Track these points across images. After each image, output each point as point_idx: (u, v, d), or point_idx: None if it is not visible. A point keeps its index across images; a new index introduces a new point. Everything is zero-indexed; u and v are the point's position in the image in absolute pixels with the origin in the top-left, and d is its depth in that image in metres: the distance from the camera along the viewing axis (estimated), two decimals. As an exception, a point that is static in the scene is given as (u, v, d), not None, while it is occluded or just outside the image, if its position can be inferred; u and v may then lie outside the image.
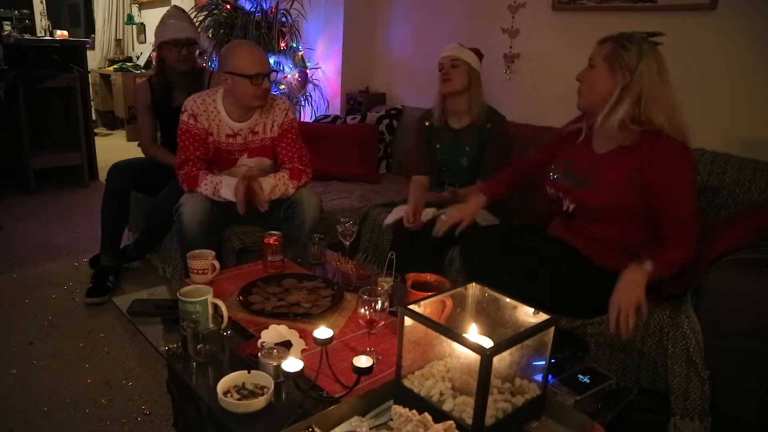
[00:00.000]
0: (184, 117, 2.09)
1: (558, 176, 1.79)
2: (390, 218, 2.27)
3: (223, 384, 1.11)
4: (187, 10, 2.96)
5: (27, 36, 4.79)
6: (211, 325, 1.28)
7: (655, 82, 1.57)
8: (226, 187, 2.03)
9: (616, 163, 1.65)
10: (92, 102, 5.64)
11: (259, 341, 1.28)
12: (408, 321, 1.01)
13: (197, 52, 2.67)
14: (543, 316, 1.03)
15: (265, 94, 2.06)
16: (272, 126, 2.17)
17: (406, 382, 1.04)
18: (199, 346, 1.22)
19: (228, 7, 3.61)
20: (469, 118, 2.30)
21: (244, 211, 2.01)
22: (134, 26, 6.93)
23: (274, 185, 2.07)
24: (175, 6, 2.71)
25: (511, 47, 2.88)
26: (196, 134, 2.08)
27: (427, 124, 2.41)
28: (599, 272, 1.65)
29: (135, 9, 6.96)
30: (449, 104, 2.33)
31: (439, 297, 1.11)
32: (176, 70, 2.51)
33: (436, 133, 2.38)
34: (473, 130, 2.30)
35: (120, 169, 2.54)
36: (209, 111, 2.09)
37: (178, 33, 2.46)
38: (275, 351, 1.17)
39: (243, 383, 1.13)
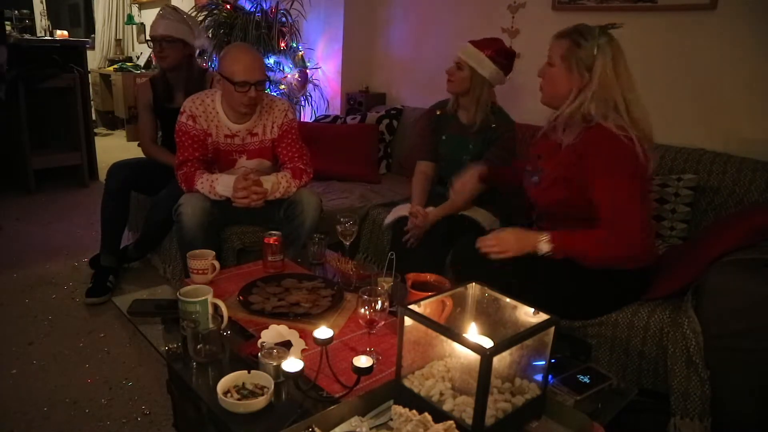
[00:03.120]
0: (182, 118, 2.09)
1: (527, 171, 1.82)
2: (390, 218, 2.27)
3: (223, 384, 1.11)
4: (186, 10, 2.96)
5: (27, 36, 4.80)
6: (211, 325, 1.28)
7: (610, 78, 1.55)
8: (221, 185, 2.03)
9: (559, 160, 1.66)
10: (92, 102, 5.64)
11: (259, 341, 1.28)
12: (408, 321, 1.01)
13: (197, 52, 2.67)
14: (543, 316, 1.04)
15: (252, 103, 2.02)
16: (272, 127, 2.17)
17: (406, 382, 1.04)
18: (199, 346, 1.22)
19: (228, 7, 3.61)
20: (476, 116, 2.30)
21: (245, 199, 1.99)
22: (134, 26, 6.93)
23: (276, 182, 2.07)
24: (165, 5, 2.70)
25: (511, 47, 2.87)
26: (194, 135, 2.08)
27: (438, 112, 2.42)
28: (583, 273, 1.63)
29: (135, 9, 6.96)
30: (460, 99, 2.34)
31: (439, 297, 1.12)
32: (169, 70, 2.52)
33: (445, 121, 2.37)
34: (479, 128, 2.29)
35: (120, 168, 2.54)
36: (208, 112, 2.09)
37: (155, 29, 2.47)
38: (275, 351, 1.17)
39: (243, 383, 1.13)
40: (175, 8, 2.60)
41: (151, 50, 2.68)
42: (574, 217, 1.66)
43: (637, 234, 1.53)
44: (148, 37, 2.51)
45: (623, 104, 1.56)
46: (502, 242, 1.61)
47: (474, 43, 2.25)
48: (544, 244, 1.57)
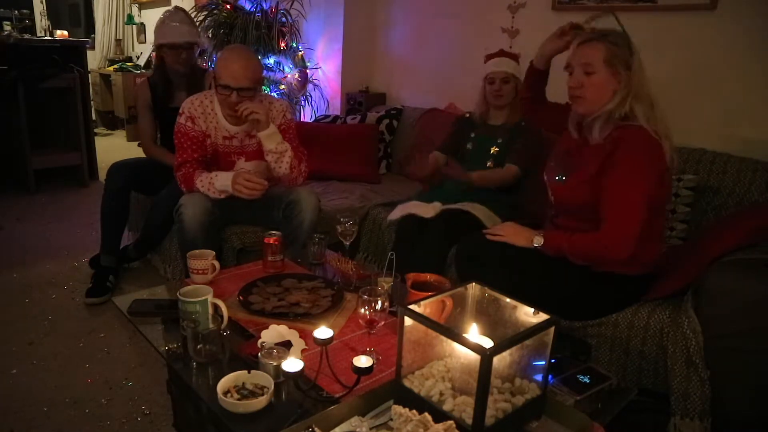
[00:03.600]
0: (181, 119, 2.09)
1: (552, 165, 1.81)
2: (395, 214, 2.27)
3: (223, 384, 1.11)
4: (187, 10, 2.96)
5: (27, 36, 4.79)
6: (211, 325, 1.28)
7: (643, 75, 1.57)
8: (220, 181, 2.02)
9: (586, 159, 1.66)
10: (92, 102, 5.64)
11: (259, 341, 1.28)
12: (408, 321, 1.01)
13: (198, 51, 2.67)
14: (543, 316, 1.04)
15: (233, 107, 1.99)
16: None
17: (406, 382, 1.04)
18: (199, 346, 1.22)
19: (228, 7, 3.61)
20: (511, 116, 2.37)
21: (246, 189, 1.98)
22: (134, 26, 6.93)
23: (280, 142, 2.05)
24: (176, 7, 2.70)
25: (511, 47, 2.87)
26: (193, 136, 2.08)
27: (467, 115, 2.51)
28: (589, 274, 1.64)
29: (135, 9, 6.96)
30: (492, 108, 2.41)
31: (439, 297, 1.12)
32: (175, 72, 2.52)
33: (471, 124, 2.46)
34: (508, 125, 2.36)
35: (120, 168, 2.54)
36: (207, 113, 2.09)
37: (177, 37, 2.47)
38: (275, 351, 1.17)
39: (243, 383, 1.13)
40: (184, 10, 2.61)
41: (152, 52, 2.67)
42: (591, 218, 1.63)
43: (632, 241, 1.52)
44: (163, 42, 2.47)
45: (655, 102, 1.57)
46: (503, 229, 1.77)
47: (505, 54, 2.40)
48: (537, 242, 1.66)
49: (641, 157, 1.54)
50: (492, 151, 2.33)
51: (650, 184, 1.53)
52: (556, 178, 1.75)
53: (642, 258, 1.60)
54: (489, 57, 2.43)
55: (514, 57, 2.42)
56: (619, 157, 1.55)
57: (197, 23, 3.38)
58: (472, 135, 2.42)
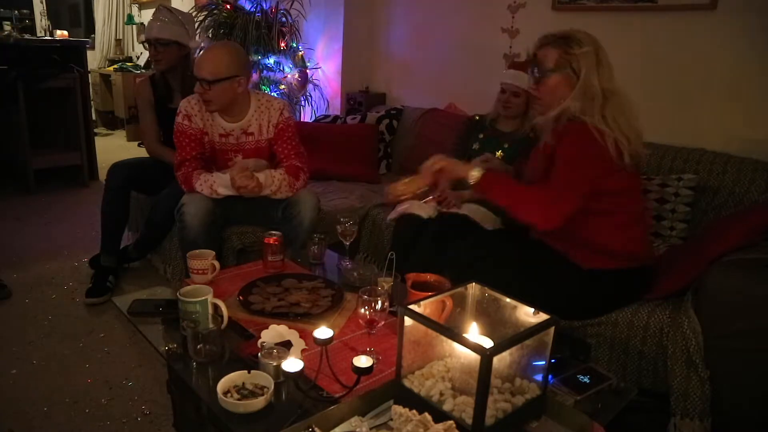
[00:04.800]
0: (179, 118, 2.10)
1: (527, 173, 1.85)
2: (395, 213, 2.27)
3: (223, 384, 1.11)
4: (187, 10, 2.95)
5: (27, 36, 4.79)
6: (211, 325, 1.28)
7: (592, 76, 1.56)
8: (221, 185, 2.04)
9: (539, 159, 1.70)
10: (92, 102, 5.64)
11: (259, 341, 1.28)
12: (408, 321, 1.01)
13: (197, 51, 2.66)
14: (543, 316, 1.04)
15: (205, 100, 2.02)
16: (268, 127, 2.16)
17: (406, 382, 1.04)
18: (199, 346, 1.22)
19: (228, 7, 3.61)
20: (522, 126, 2.37)
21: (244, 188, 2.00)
22: (134, 26, 6.93)
23: (269, 176, 2.07)
24: (160, 5, 2.69)
25: (511, 47, 2.88)
26: (191, 134, 2.09)
27: (477, 118, 2.51)
28: (581, 273, 1.64)
29: (135, 9, 6.96)
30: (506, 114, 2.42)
31: (439, 297, 1.12)
32: (167, 71, 2.53)
33: (481, 126, 2.46)
34: (516, 134, 2.37)
35: (120, 168, 2.54)
36: (203, 110, 2.10)
37: (148, 33, 2.48)
38: (275, 351, 1.17)
39: (243, 383, 1.12)
40: (169, 9, 2.58)
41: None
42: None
43: (559, 214, 1.53)
44: (142, 39, 2.51)
45: (601, 98, 1.55)
46: (446, 165, 1.66)
47: (515, 66, 2.38)
48: (473, 178, 1.61)
49: (578, 145, 1.55)
50: (497, 155, 2.35)
51: (586, 169, 1.54)
52: (529, 179, 1.79)
53: (612, 246, 1.63)
54: (511, 66, 2.46)
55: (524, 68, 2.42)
56: (560, 149, 1.58)
57: (197, 23, 3.39)
58: (480, 136, 2.45)
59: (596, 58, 1.57)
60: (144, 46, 2.56)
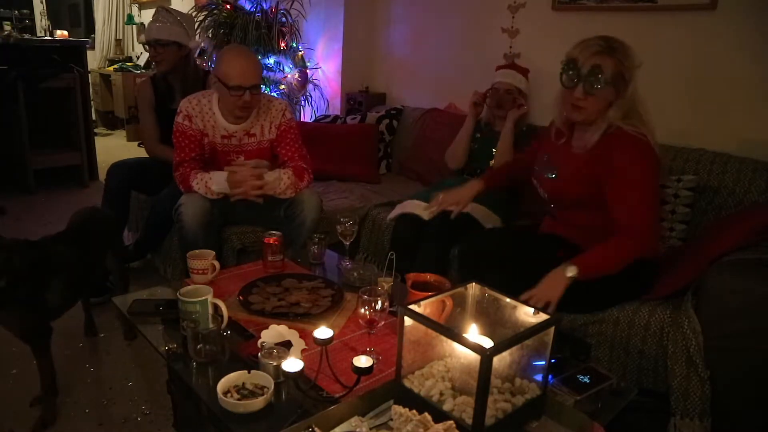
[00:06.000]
0: (179, 119, 2.09)
1: (538, 168, 1.85)
2: (395, 213, 2.28)
3: (223, 384, 1.11)
4: (186, 10, 2.96)
5: (27, 36, 4.80)
6: (211, 325, 1.28)
7: (636, 89, 1.60)
8: (216, 183, 2.03)
9: (578, 155, 1.71)
10: (92, 102, 5.64)
11: (259, 341, 1.28)
12: (408, 321, 1.01)
13: (197, 52, 2.67)
14: (543, 316, 1.04)
15: (246, 106, 2.01)
16: (270, 128, 2.16)
17: (406, 382, 1.04)
18: (199, 346, 1.22)
19: (228, 7, 3.60)
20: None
21: (239, 189, 1.99)
22: (134, 26, 6.93)
23: (278, 178, 2.06)
24: (159, 6, 2.69)
25: (511, 47, 2.87)
26: (191, 135, 2.08)
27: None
28: None
29: (135, 9, 6.96)
30: (498, 112, 2.51)
31: (439, 297, 1.12)
32: (168, 72, 2.53)
33: (479, 126, 2.57)
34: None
35: (120, 168, 2.54)
36: (204, 112, 2.09)
37: (147, 34, 2.50)
38: (275, 351, 1.17)
39: (243, 383, 1.13)
40: (168, 10, 2.59)
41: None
42: (587, 205, 1.70)
43: (649, 232, 1.59)
44: (142, 41, 2.52)
45: (642, 106, 1.61)
46: (541, 294, 1.51)
47: (514, 67, 2.54)
48: (571, 271, 1.53)
49: (640, 161, 1.59)
50: (493, 153, 2.44)
51: (641, 179, 1.59)
52: (547, 175, 1.80)
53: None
54: (499, 67, 2.55)
55: (523, 71, 2.49)
56: (616, 159, 1.60)
57: (197, 23, 3.38)
58: (478, 135, 2.54)
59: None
60: (144, 48, 2.57)
